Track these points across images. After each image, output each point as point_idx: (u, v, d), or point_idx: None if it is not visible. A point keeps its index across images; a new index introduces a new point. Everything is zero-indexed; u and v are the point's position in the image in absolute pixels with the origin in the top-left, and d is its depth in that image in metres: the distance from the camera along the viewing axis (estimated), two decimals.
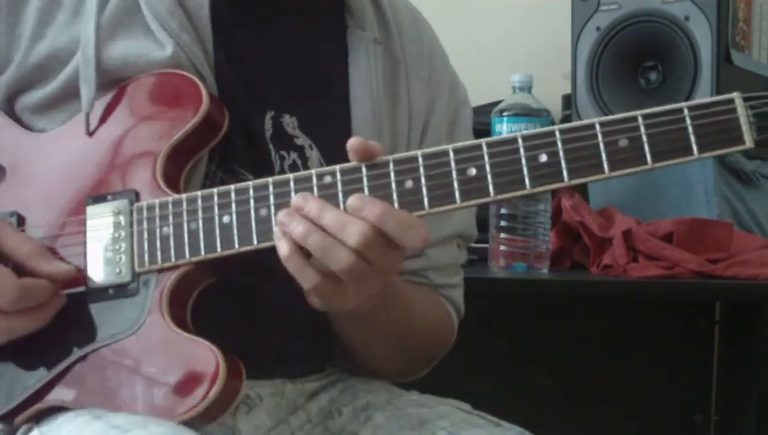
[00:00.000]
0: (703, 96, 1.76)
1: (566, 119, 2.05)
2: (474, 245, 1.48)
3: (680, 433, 1.87)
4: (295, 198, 0.89)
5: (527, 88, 1.62)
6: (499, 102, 1.65)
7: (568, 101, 2.01)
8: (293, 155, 1.07)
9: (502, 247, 1.57)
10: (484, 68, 2.26)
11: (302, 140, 1.08)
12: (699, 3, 1.76)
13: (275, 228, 0.90)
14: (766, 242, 1.70)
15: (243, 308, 1.02)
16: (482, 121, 1.73)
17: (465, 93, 1.25)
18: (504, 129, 1.59)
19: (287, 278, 0.96)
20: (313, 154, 1.08)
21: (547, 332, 1.85)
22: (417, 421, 1.04)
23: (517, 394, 1.76)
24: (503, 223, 1.56)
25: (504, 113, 1.60)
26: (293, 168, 1.06)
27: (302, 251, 0.88)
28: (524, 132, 0.87)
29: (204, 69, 1.03)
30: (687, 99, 1.78)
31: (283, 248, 0.89)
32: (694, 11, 1.77)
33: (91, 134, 1.01)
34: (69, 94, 1.02)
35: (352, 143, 0.90)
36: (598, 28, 1.87)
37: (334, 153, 1.07)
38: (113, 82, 1.02)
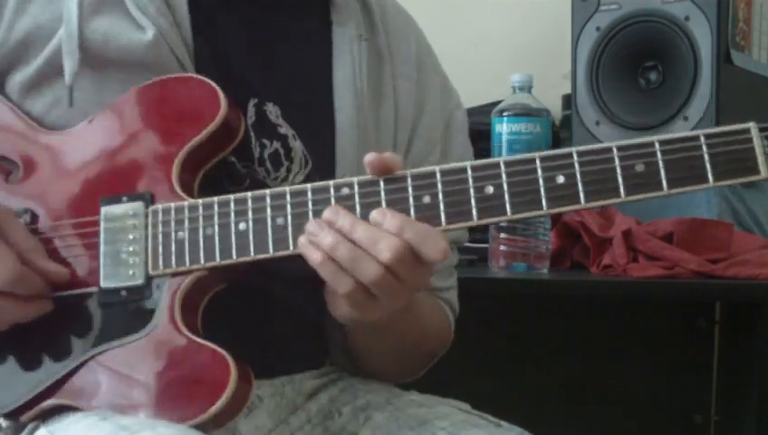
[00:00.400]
0: (703, 96, 1.76)
1: (566, 119, 2.05)
2: (474, 245, 1.48)
3: (680, 433, 1.88)
4: (327, 212, 0.89)
5: (527, 88, 1.62)
6: (499, 102, 1.65)
7: (568, 101, 2.01)
8: (276, 144, 1.07)
9: (502, 247, 1.57)
10: (484, 68, 2.27)
11: (284, 129, 1.08)
12: (699, 3, 1.77)
13: (302, 238, 0.90)
14: (766, 242, 1.71)
15: (238, 301, 1.02)
16: (482, 121, 1.72)
17: (457, 97, 1.25)
18: (503, 129, 1.59)
19: (281, 271, 0.97)
20: (297, 145, 1.08)
21: (547, 332, 1.85)
22: (417, 421, 1.04)
23: (517, 394, 1.76)
24: (503, 223, 1.56)
25: (504, 113, 1.60)
26: (274, 156, 1.06)
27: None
28: (542, 153, 0.88)
29: (181, 53, 1.03)
30: (688, 99, 1.78)
31: (315, 256, 0.89)
32: (694, 11, 1.77)
33: (103, 132, 1.01)
34: (51, 74, 1.02)
35: (369, 159, 0.91)
36: (598, 28, 1.87)
37: (317, 146, 1.08)
38: (95, 59, 1.01)
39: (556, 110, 2.07)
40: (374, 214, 0.88)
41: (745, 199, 1.82)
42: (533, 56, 2.26)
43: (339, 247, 0.87)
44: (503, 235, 1.56)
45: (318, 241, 0.88)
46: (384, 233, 0.87)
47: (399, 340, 1.08)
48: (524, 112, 1.59)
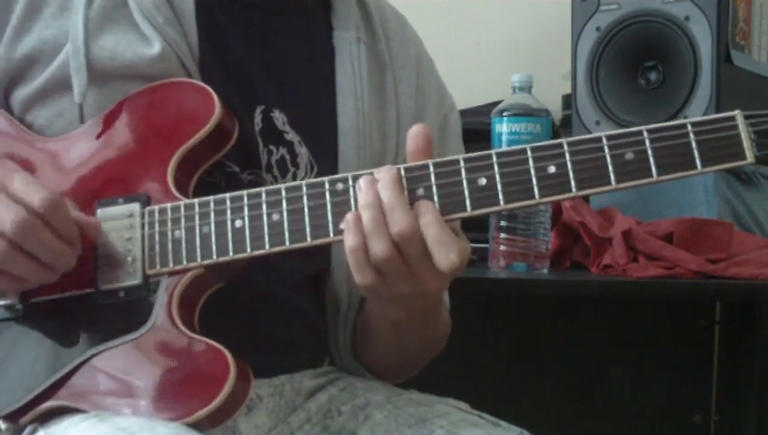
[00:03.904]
0: (703, 96, 1.76)
1: (566, 119, 2.05)
2: (474, 245, 1.48)
3: (680, 433, 1.88)
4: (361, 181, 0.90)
5: (527, 88, 1.62)
6: (499, 102, 1.65)
7: (568, 101, 2.01)
8: (282, 150, 1.08)
9: (502, 247, 1.57)
10: (484, 68, 2.27)
11: (291, 135, 1.09)
12: (699, 3, 1.77)
13: (349, 218, 0.90)
14: (766, 242, 1.70)
15: (238, 300, 1.02)
16: (482, 121, 1.72)
17: (451, 99, 1.26)
18: (504, 129, 1.59)
19: (278, 268, 0.98)
20: (303, 151, 1.09)
21: (547, 332, 1.85)
22: (416, 420, 1.04)
23: (517, 394, 1.76)
24: (503, 223, 1.56)
25: (504, 113, 1.60)
26: (281, 163, 1.08)
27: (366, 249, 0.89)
28: (533, 144, 0.89)
29: (189, 62, 1.04)
30: (688, 99, 1.78)
31: (351, 241, 0.89)
32: (694, 11, 1.77)
33: (99, 137, 1.02)
34: (55, 88, 1.03)
35: (418, 129, 0.92)
36: (598, 28, 1.87)
37: (322, 151, 1.09)
38: (102, 75, 1.02)
39: (556, 110, 2.07)
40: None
41: (745, 199, 1.82)
42: (533, 56, 2.26)
43: (367, 209, 0.88)
44: (503, 235, 1.56)
45: (362, 190, 0.89)
46: (405, 207, 0.88)
47: (422, 328, 1.08)
48: (524, 112, 1.59)
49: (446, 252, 0.87)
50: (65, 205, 0.92)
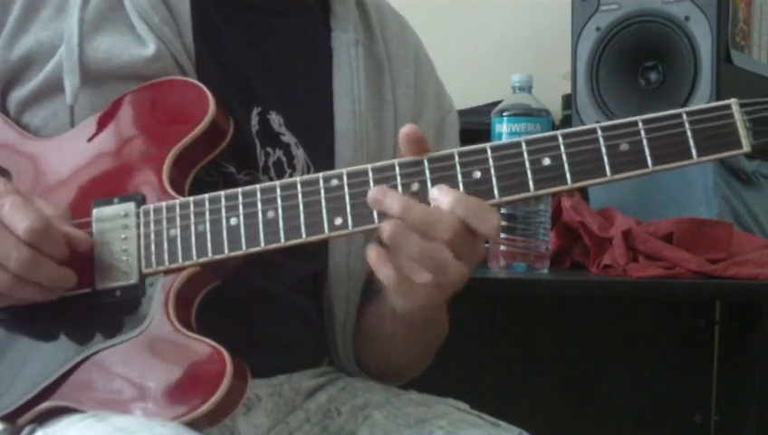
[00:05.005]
0: (703, 96, 1.76)
1: (566, 119, 2.05)
2: None
3: (680, 433, 1.88)
4: (372, 192, 0.89)
5: (527, 88, 1.62)
6: (499, 102, 1.65)
7: (568, 101, 2.01)
8: (279, 152, 1.08)
9: (502, 247, 1.57)
10: (484, 68, 2.27)
11: (287, 137, 1.09)
12: (699, 3, 1.77)
13: (372, 252, 0.88)
14: (766, 242, 1.70)
15: (236, 300, 1.02)
16: (482, 121, 1.72)
17: (450, 102, 1.26)
18: (504, 129, 1.59)
19: (277, 268, 0.98)
20: (299, 152, 1.09)
21: (547, 332, 1.85)
22: (415, 420, 1.04)
23: (516, 394, 1.76)
24: (503, 223, 1.56)
25: (504, 113, 1.60)
26: (278, 165, 1.08)
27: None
28: (527, 137, 0.89)
29: (185, 62, 1.04)
30: (688, 99, 1.78)
31: (386, 272, 0.87)
32: (694, 11, 1.77)
33: (95, 136, 1.02)
34: (51, 89, 1.03)
35: (407, 130, 0.90)
36: (598, 28, 1.87)
37: (319, 152, 1.09)
38: (96, 76, 1.02)
39: (556, 110, 2.06)
40: (434, 191, 0.88)
41: (745, 199, 1.82)
42: (533, 56, 2.26)
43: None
44: (503, 235, 1.56)
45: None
46: (440, 214, 0.86)
47: (430, 328, 1.08)
48: (524, 112, 1.59)
49: (490, 217, 0.86)
50: (53, 228, 0.92)
